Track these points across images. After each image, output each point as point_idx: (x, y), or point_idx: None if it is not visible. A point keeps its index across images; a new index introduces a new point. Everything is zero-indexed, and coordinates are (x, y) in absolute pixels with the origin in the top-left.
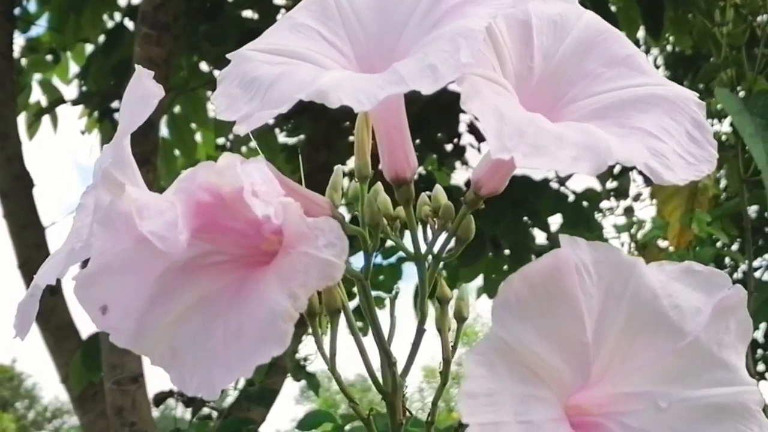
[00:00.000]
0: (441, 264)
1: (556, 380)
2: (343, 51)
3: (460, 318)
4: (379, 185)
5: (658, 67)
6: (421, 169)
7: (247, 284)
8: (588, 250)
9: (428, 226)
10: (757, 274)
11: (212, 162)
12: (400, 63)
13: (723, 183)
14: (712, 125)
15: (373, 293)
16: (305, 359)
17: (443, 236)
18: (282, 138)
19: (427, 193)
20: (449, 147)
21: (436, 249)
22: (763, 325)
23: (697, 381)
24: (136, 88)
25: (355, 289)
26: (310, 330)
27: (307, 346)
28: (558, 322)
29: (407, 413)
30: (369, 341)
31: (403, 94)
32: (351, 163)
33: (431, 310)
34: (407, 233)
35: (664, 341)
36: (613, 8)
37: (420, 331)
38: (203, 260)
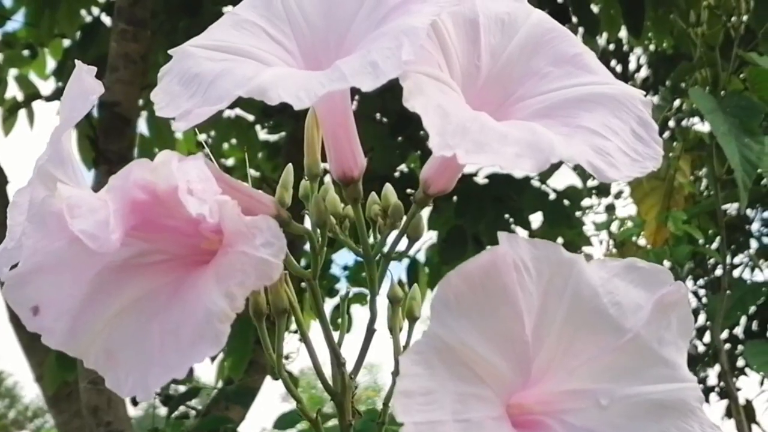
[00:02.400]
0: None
1: (495, 378)
2: (288, 48)
3: (412, 318)
4: (329, 183)
5: (640, 67)
6: (403, 167)
7: (186, 284)
8: (527, 247)
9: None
10: (737, 272)
11: (148, 159)
12: (342, 60)
13: (705, 183)
14: (694, 125)
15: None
16: (286, 358)
17: (394, 234)
18: (263, 135)
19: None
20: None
21: (387, 248)
22: (743, 322)
23: (638, 378)
24: (76, 84)
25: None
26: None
27: (288, 345)
28: (497, 319)
29: (357, 413)
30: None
31: (349, 92)
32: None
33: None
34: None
35: (605, 338)
36: (594, 8)
37: (370, 331)
38: (141, 259)
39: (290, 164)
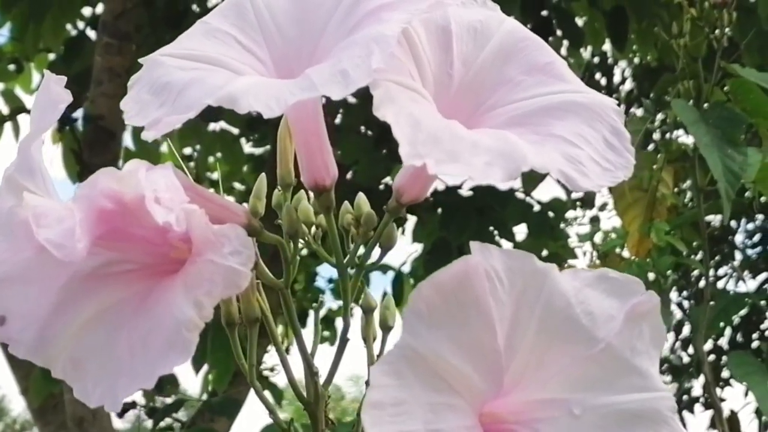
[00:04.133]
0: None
1: (468, 388)
2: (260, 56)
3: (386, 327)
4: (301, 193)
5: (625, 79)
6: (388, 180)
7: (154, 293)
8: (500, 257)
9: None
10: (721, 283)
11: (114, 169)
12: (312, 69)
13: (688, 195)
14: (678, 137)
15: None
16: (271, 369)
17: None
18: (248, 148)
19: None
20: None
21: (358, 257)
22: (728, 333)
23: (610, 387)
24: (44, 93)
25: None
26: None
27: (272, 357)
28: (469, 329)
29: (330, 422)
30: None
31: (320, 100)
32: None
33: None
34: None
35: (577, 348)
36: (579, 21)
37: (343, 341)
38: (110, 269)
39: (263, 174)
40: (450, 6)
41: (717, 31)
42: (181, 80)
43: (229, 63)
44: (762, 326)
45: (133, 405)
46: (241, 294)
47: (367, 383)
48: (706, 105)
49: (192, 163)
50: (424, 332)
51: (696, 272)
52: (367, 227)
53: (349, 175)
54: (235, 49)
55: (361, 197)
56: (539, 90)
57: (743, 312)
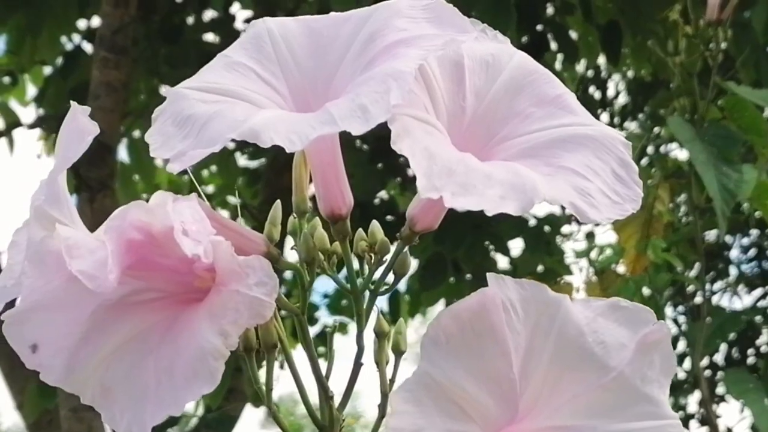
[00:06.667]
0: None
1: (483, 416)
2: (279, 89)
3: (398, 352)
4: (317, 220)
5: (618, 94)
6: (383, 194)
7: (179, 321)
8: (515, 288)
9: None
10: (717, 297)
11: (143, 201)
12: (332, 103)
13: (683, 209)
14: (671, 151)
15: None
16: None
17: (380, 271)
18: (243, 161)
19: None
20: (411, 172)
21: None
22: (723, 349)
23: (622, 415)
24: (71, 124)
25: (317, 315)
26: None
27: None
28: (485, 358)
29: None
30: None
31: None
32: (312, 188)
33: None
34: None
35: (590, 376)
36: (573, 35)
37: (357, 365)
38: (136, 297)
39: (278, 201)
40: (463, 42)
41: (712, 47)
42: (203, 113)
43: (249, 96)
44: (758, 342)
45: None
46: None
47: (382, 407)
48: (700, 120)
49: (186, 177)
50: (441, 361)
51: (691, 287)
52: (382, 254)
53: None
54: (255, 81)
55: (375, 225)
56: (549, 122)
57: (739, 328)
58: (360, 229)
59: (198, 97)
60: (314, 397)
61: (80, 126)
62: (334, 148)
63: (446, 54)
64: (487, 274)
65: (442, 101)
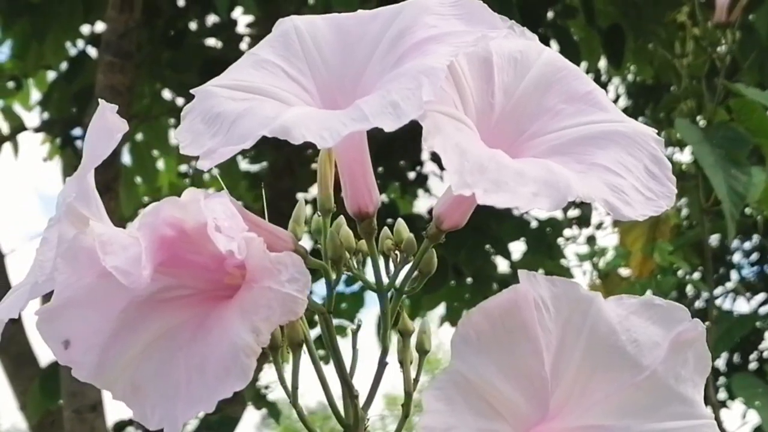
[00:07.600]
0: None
1: (514, 414)
2: (306, 87)
3: (422, 351)
4: (341, 218)
5: (619, 97)
6: (384, 197)
7: (210, 318)
8: (547, 285)
9: (390, 259)
10: (719, 301)
11: (176, 197)
12: (362, 100)
13: (685, 212)
14: (673, 154)
15: (335, 321)
16: (266, 387)
17: (405, 269)
18: (244, 165)
19: (390, 220)
20: (412, 175)
21: (398, 282)
22: (725, 354)
23: (655, 414)
24: (99, 122)
25: (316, 318)
26: (270, 359)
27: (267, 375)
28: (517, 356)
29: None
30: (330, 370)
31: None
32: (313, 191)
33: (393, 342)
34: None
35: (622, 375)
36: (575, 38)
37: (382, 364)
38: (166, 294)
39: (302, 199)
40: (492, 39)
41: (719, 50)
42: (233, 111)
43: (278, 93)
44: (760, 346)
45: (129, 422)
46: None
47: (403, 406)
48: (707, 123)
49: (187, 180)
50: (472, 358)
51: (691, 292)
52: (408, 252)
53: None
54: (283, 79)
55: (401, 223)
56: (580, 119)
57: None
58: (385, 228)
59: (227, 95)
60: (315, 398)
61: (109, 124)
62: (362, 146)
63: (474, 51)
64: (519, 271)
65: (471, 98)
